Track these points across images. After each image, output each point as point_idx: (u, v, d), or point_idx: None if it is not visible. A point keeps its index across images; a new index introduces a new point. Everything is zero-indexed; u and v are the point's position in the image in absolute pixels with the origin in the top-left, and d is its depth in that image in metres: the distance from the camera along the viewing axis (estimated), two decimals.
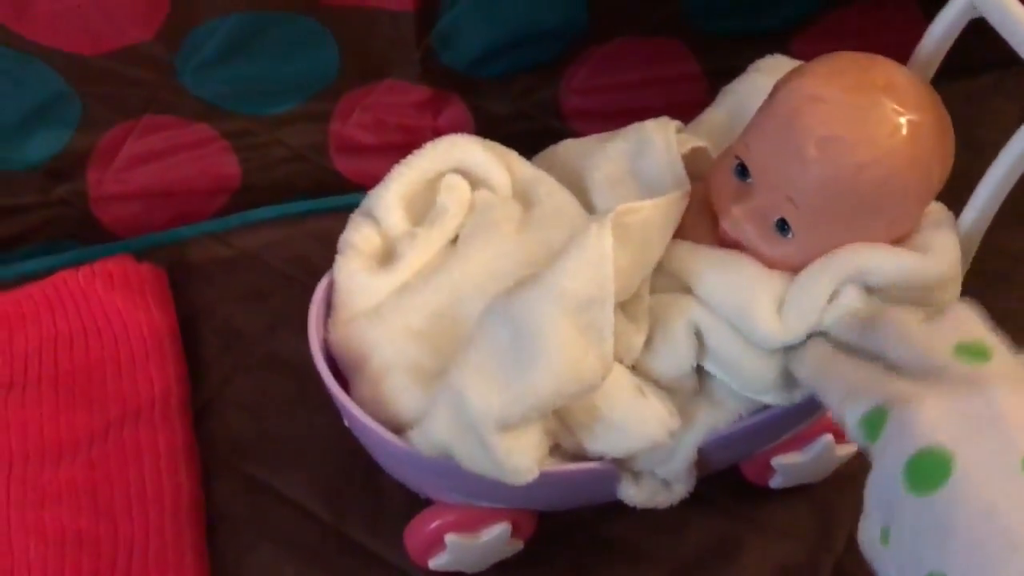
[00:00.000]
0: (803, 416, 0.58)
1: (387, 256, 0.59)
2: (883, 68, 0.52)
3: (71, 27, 0.69)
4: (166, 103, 0.76)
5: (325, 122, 0.80)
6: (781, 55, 0.61)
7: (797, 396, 0.54)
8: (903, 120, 0.50)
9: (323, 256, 0.74)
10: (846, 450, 0.62)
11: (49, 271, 0.73)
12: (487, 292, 0.54)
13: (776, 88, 0.53)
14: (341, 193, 0.79)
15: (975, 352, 0.46)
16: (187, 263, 0.76)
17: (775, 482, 0.64)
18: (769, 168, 0.52)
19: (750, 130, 0.54)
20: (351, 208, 0.77)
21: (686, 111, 0.62)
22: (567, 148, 0.62)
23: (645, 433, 0.53)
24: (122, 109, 0.76)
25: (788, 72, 0.54)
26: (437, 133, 0.63)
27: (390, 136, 0.81)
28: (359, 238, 0.59)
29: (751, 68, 0.62)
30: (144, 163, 0.78)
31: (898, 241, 0.53)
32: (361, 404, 0.55)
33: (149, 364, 0.68)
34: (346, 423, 0.57)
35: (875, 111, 0.50)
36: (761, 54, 0.62)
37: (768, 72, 0.59)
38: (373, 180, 0.78)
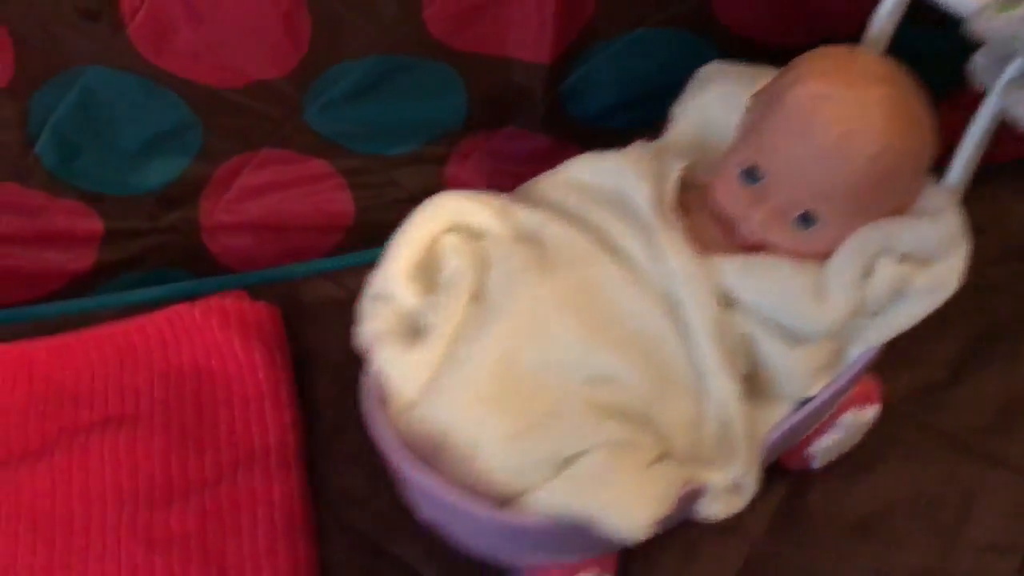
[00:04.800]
0: (842, 394, 0.60)
1: (413, 332, 0.57)
2: (866, 60, 0.58)
3: (207, 61, 0.69)
4: (286, 138, 0.75)
5: (442, 165, 0.79)
6: (714, 62, 0.65)
7: (836, 383, 0.58)
8: (903, 104, 0.56)
9: None
10: (871, 413, 0.65)
11: (158, 302, 0.73)
12: (535, 340, 0.55)
13: (780, 92, 0.56)
14: None
15: None
16: (299, 302, 0.75)
17: (816, 464, 0.65)
18: (788, 167, 0.55)
19: (759, 135, 0.57)
20: None
21: None
22: (545, 187, 0.62)
23: None
24: (242, 141, 0.75)
25: (782, 77, 0.58)
26: None
27: (504, 182, 0.79)
28: (381, 323, 0.57)
29: (693, 79, 0.65)
30: (258, 195, 0.77)
31: (904, 210, 0.58)
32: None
33: (264, 408, 0.66)
34: (424, 515, 0.56)
35: (878, 101, 0.55)
36: None
37: (718, 81, 0.64)
38: None
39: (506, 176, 0.80)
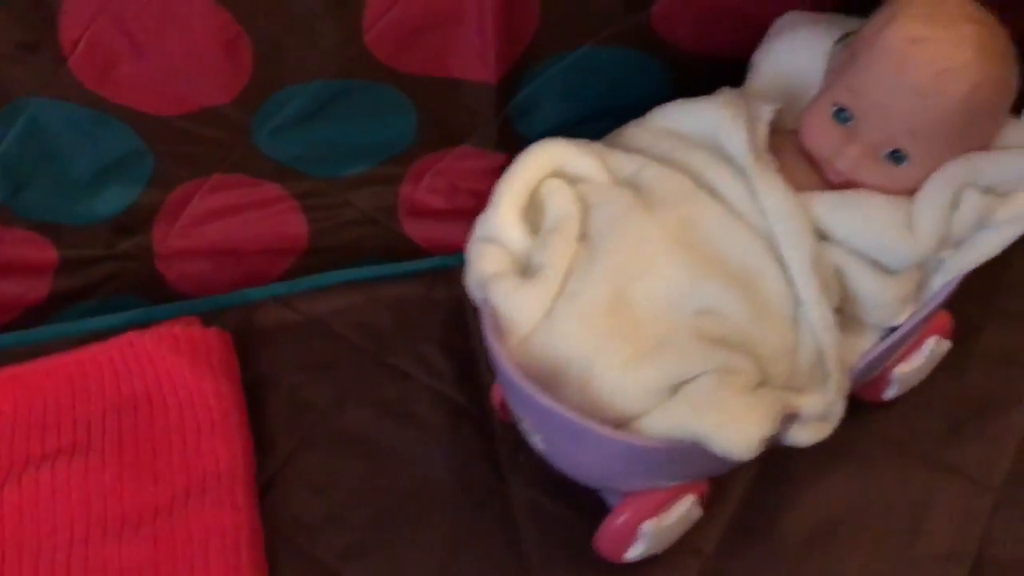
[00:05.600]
0: (924, 326, 0.64)
1: (525, 270, 0.60)
2: (954, 2, 0.60)
3: (151, 90, 0.69)
4: (237, 163, 0.75)
5: (396, 185, 0.79)
6: (791, 11, 0.69)
7: (919, 313, 0.61)
8: (991, 43, 0.58)
9: (393, 324, 0.74)
10: (946, 345, 0.68)
11: (112, 330, 0.72)
12: (643, 276, 0.58)
13: (871, 34, 0.59)
14: (410, 259, 0.78)
15: None
16: (253, 327, 0.75)
17: (888, 394, 0.68)
18: (883, 107, 0.58)
19: (854, 75, 0.59)
20: (420, 274, 0.77)
21: None
22: (632, 134, 0.66)
23: None
24: (193, 166, 0.75)
25: (874, 20, 0.60)
26: None
27: (461, 201, 0.80)
28: (492, 263, 0.60)
29: (775, 28, 0.69)
30: (211, 220, 0.77)
31: (988, 145, 0.61)
32: None
33: (215, 436, 0.66)
34: (541, 445, 0.59)
35: (972, 40, 0.58)
36: None
37: (788, 28, 0.68)
38: (442, 246, 0.78)
39: (464, 194, 0.81)
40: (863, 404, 0.68)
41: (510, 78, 0.73)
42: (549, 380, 0.57)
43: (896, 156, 0.59)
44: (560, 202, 0.61)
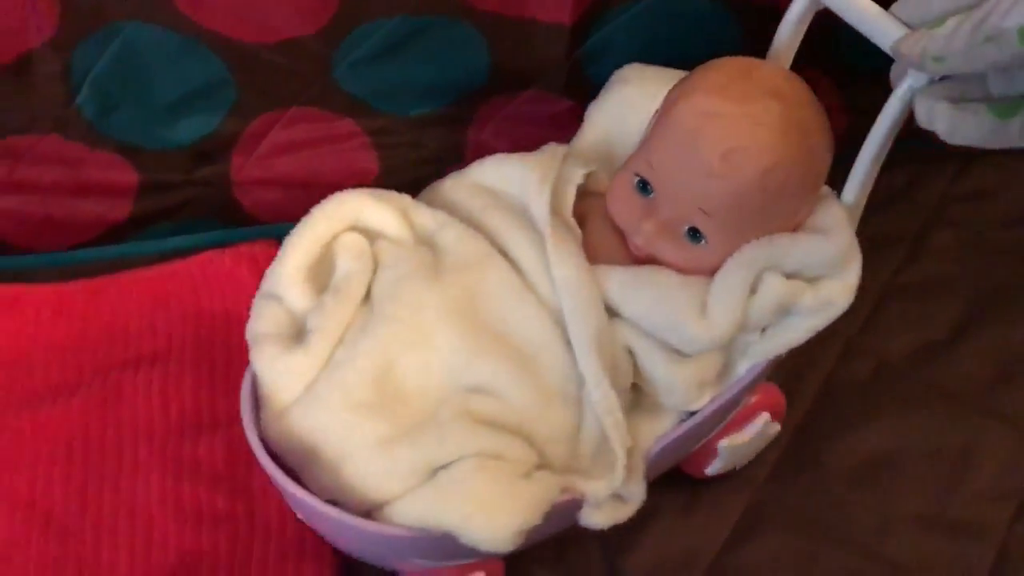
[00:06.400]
0: (731, 409, 0.60)
1: (300, 335, 0.56)
2: (763, 72, 0.57)
3: (241, 16, 0.71)
4: (315, 96, 0.77)
5: (464, 126, 0.81)
6: (636, 64, 0.65)
7: (721, 397, 0.57)
8: (793, 120, 0.55)
9: None
10: (776, 428, 0.65)
11: (191, 249, 0.75)
12: (416, 347, 0.55)
13: (669, 106, 0.56)
14: None
15: None
16: None
17: (713, 468, 0.64)
18: (676, 183, 0.55)
19: (650, 148, 0.56)
20: None
21: None
22: (449, 188, 0.62)
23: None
24: (273, 98, 0.77)
25: (676, 88, 0.57)
26: None
27: (525, 147, 0.81)
28: (266, 324, 0.56)
29: (613, 79, 0.65)
30: (286, 152, 0.80)
31: (798, 226, 0.58)
32: (320, 494, 0.54)
33: None
34: (299, 516, 0.57)
35: (768, 117, 0.54)
36: None
37: (632, 82, 0.64)
38: None
39: (529, 139, 0.82)
40: (911, 353, 0.71)
41: (584, 21, 0.75)
42: (305, 457, 0.54)
43: (694, 235, 0.56)
44: (346, 259, 0.57)
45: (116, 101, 0.75)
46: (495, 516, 0.51)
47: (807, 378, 0.70)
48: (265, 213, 0.81)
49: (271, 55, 0.74)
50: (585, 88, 0.80)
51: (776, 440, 0.66)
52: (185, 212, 0.80)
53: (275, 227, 0.79)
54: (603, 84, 0.79)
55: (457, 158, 0.82)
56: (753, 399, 0.62)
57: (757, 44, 0.70)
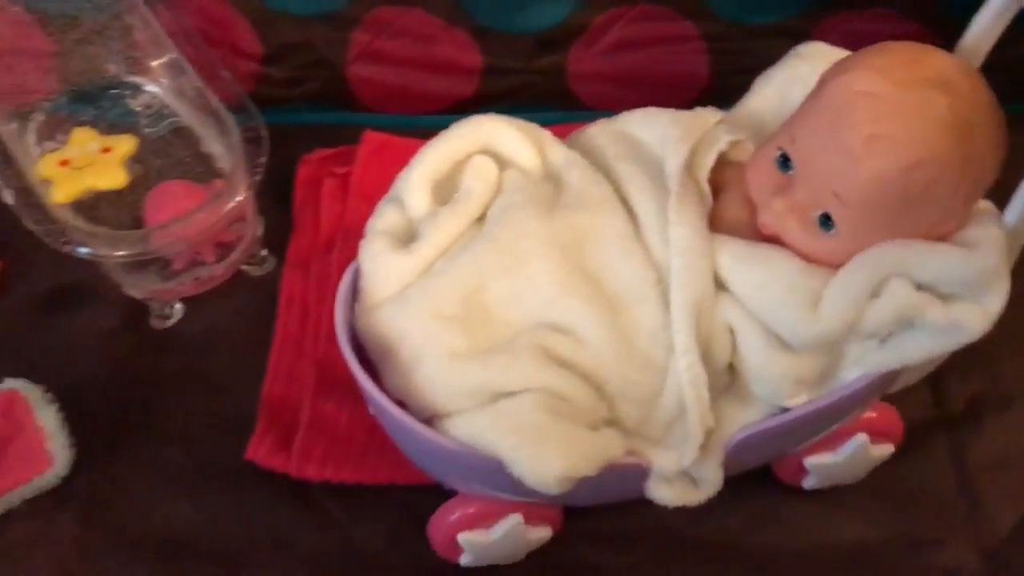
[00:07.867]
0: (834, 417, 0.57)
1: (412, 239, 0.57)
2: (936, 61, 0.51)
3: None
4: None
5: (800, 39, 0.81)
6: (820, 42, 0.61)
7: (819, 401, 0.54)
8: (958, 118, 0.49)
9: None
10: (881, 451, 0.61)
11: None
12: (510, 273, 0.54)
13: (823, 81, 0.53)
14: None
15: None
16: None
17: (808, 483, 0.62)
18: (815, 162, 0.52)
19: (795, 122, 0.53)
20: None
21: None
22: (596, 132, 0.61)
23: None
24: None
25: (836, 64, 0.53)
26: None
27: None
28: (382, 222, 0.58)
29: (790, 54, 0.61)
30: (625, 49, 0.82)
31: (944, 237, 0.53)
32: (392, 393, 0.54)
33: None
34: (371, 411, 0.57)
35: (927, 108, 0.49)
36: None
37: (808, 59, 0.60)
38: None
39: None
40: None
41: None
42: (385, 355, 0.55)
43: (825, 222, 0.52)
44: (471, 178, 0.58)
45: None
46: (543, 454, 0.50)
47: None
48: (594, 104, 0.84)
49: None
50: (936, 13, 0.78)
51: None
52: (523, 96, 0.84)
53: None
54: (959, 15, 0.78)
55: None
56: (860, 417, 0.58)
57: None
